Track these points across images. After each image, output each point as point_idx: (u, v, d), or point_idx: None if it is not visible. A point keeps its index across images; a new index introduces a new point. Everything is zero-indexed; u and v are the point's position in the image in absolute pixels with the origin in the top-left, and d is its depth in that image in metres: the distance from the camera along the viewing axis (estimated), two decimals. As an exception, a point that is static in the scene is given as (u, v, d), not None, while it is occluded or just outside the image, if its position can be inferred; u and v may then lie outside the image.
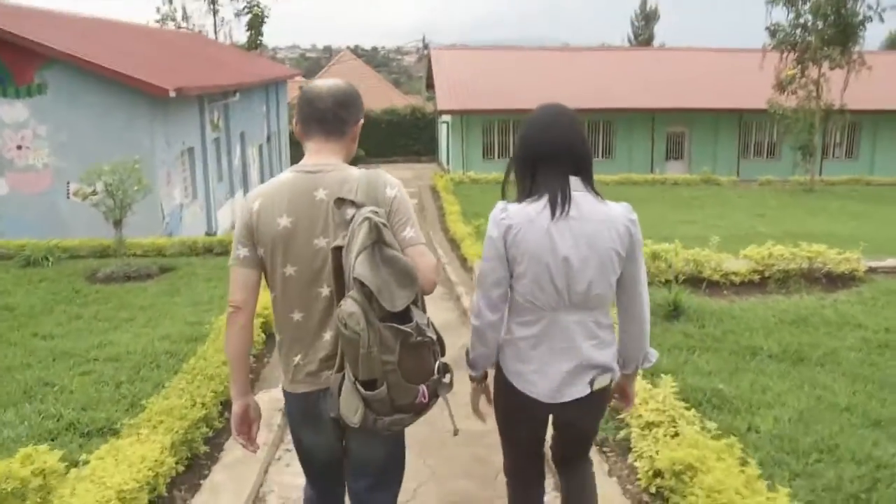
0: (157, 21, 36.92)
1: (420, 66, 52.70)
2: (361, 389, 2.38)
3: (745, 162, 29.39)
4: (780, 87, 23.18)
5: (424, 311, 2.48)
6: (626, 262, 2.69)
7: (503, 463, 3.17)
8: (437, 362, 2.47)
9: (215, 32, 38.12)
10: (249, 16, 37.31)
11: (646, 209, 18.82)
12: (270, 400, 5.22)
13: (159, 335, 6.85)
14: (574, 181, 2.67)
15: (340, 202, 2.50)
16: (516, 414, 2.89)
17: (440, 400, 2.51)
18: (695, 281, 7.89)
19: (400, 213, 2.58)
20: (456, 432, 2.60)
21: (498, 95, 27.98)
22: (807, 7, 22.52)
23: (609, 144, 29.51)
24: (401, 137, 35.89)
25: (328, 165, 2.63)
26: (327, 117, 2.66)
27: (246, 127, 22.35)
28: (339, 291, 2.46)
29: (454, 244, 13.58)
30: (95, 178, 9.93)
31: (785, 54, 23.01)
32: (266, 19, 37.63)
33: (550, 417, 2.93)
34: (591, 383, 2.75)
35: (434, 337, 2.44)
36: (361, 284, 2.32)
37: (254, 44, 37.36)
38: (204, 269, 10.11)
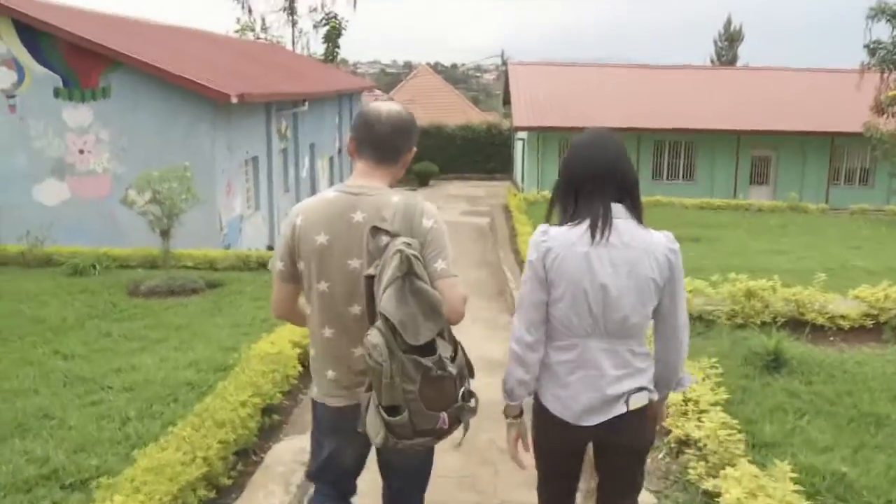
0: (237, 31, 37.04)
1: (498, 84, 51.89)
2: (384, 414, 2.44)
3: (834, 189, 27.73)
4: (879, 108, 21.69)
5: (452, 341, 2.53)
6: (664, 292, 2.69)
7: (538, 490, 3.09)
8: (462, 389, 2.53)
9: (293, 44, 38.11)
10: (327, 28, 37.20)
11: (728, 236, 17.66)
12: (293, 451, 4.45)
13: (187, 361, 6.17)
14: (616, 208, 2.67)
15: (375, 231, 2.54)
16: (555, 443, 2.85)
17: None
18: (795, 324, 6.87)
19: (434, 245, 2.61)
20: (460, 444, 2.67)
21: (576, 113, 27.01)
22: (913, 22, 21.07)
23: (690, 167, 28.21)
24: (475, 154, 35.13)
25: (371, 189, 2.70)
26: (383, 144, 2.73)
27: (316, 138, 21.89)
28: (371, 316, 2.50)
29: (524, 266, 12.71)
30: (145, 184, 9.39)
31: (886, 74, 21.55)
32: (344, 31, 37.47)
33: (591, 448, 2.93)
34: (627, 402, 2.71)
35: (455, 371, 2.48)
36: (386, 318, 2.39)
37: (331, 55, 37.20)
38: (253, 287, 9.46)
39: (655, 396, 2.82)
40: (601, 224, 2.62)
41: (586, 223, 2.65)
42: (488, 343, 8.19)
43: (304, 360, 5.86)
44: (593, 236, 2.62)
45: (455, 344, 2.56)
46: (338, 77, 29.14)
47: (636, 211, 2.71)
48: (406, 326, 2.39)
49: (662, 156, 28.05)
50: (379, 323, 2.41)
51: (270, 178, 16.81)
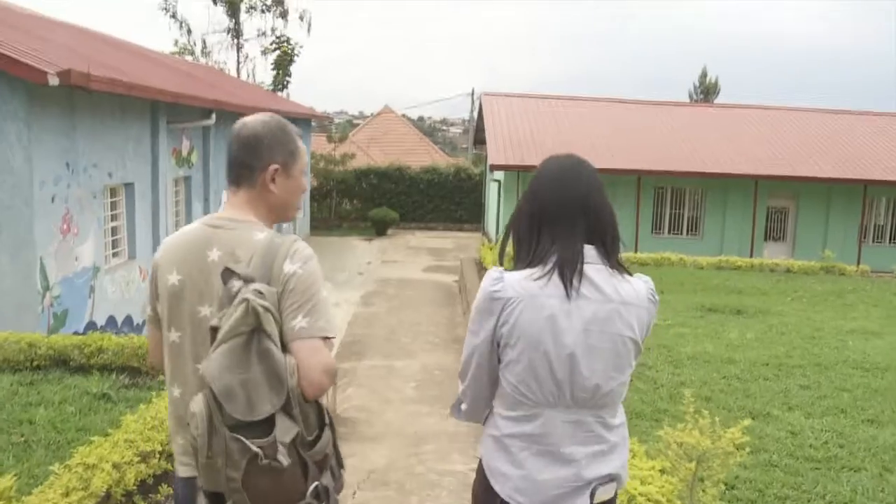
0: (173, 53, 32.36)
1: (464, 138, 48.67)
2: (203, 502, 2.05)
3: (864, 247, 23.50)
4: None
5: (315, 419, 2.12)
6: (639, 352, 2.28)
7: None
8: (315, 484, 2.06)
9: (238, 70, 33.52)
10: (277, 52, 32.68)
11: (778, 307, 13.24)
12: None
13: None
14: (588, 251, 2.24)
15: (228, 274, 2.11)
16: None
17: None
18: None
19: (294, 296, 2.13)
20: None
21: (562, 150, 22.16)
22: None
23: (697, 219, 23.85)
24: (442, 201, 30.57)
25: (232, 222, 2.28)
26: (233, 162, 2.33)
27: (241, 169, 17.13)
28: None
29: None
30: None
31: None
32: (297, 58, 32.99)
33: None
34: (592, 495, 2.23)
35: (284, 463, 1.98)
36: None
37: (280, 84, 32.61)
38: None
39: (624, 484, 2.36)
40: (570, 272, 2.19)
41: (549, 269, 2.20)
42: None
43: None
44: (567, 288, 2.17)
45: (321, 421, 2.14)
46: (281, 104, 24.50)
47: (612, 255, 2.27)
48: (234, 396, 1.95)
49: (664, 205, 23.69)
50: (206, 388, 2.00)
51: (156, 215, 11.96)
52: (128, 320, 10.93)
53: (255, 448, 1.93)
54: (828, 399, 7.27)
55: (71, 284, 9.25)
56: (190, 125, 13.10)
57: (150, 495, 3.94)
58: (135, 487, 3.80)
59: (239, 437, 1.94)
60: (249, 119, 2.36)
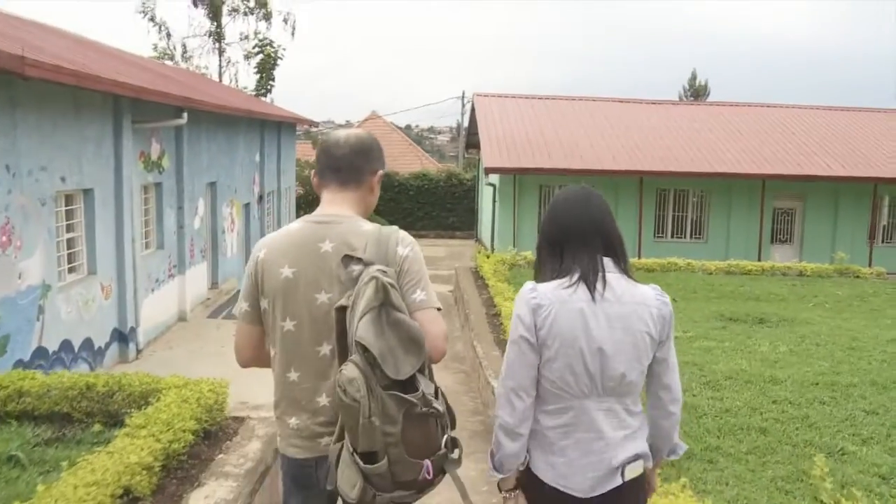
0: (154, 58, 31.15)
1: (453, 146, 48.12)
2: (360, 462, 2.16)
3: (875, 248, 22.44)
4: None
5: (432, 379, 2.30)
6: (658, 346, 2.53)
7: None
8: (445, 436, 2.27)
9: (220, 75, 32.28)
10: (260, 56, 31.50)
11: (803, 314, 12.14)
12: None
13: None
14: (606, 262, 2.55)
15: (348, 259, 2.38)
16: None
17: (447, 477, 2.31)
18: None
19: (411, 274, 2.42)
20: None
21: (561, 152, 21.51)
22: None
23: (700, 221, 22.76)
24: (433, 207, 29.52)
25: (339, 217, 2.52)
26: (342, 165, 2.57)
27: (219, 175, 15.92)
28: (342, 353, 2.28)
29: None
30: None
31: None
32: (281, 60, 31.81)
33: None
34: (623, 473, 2.46)
35: (441, 409, 2.23)
36: (364, 349, 2.15)
37: (263, 88, 31.43)
38: None
39: (650, 464, 2.58)
40: (594, 278, 2.49)
41: (576, 278, 2.49)
42: None
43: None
44: (592, 291, 2.46)
45: (436, 386, 2.29)
46: (257, 103, 23.29)
47: (624, 265, 2.58)
48: (386, 358, 2.14)
49: (666, 208, 22.57)
50: (355, 356, 2.17)
51: (121, 226, 10.74)
52: (87, 344, 9.71)
53: (412, 399, 2.12)
54: (903, 428, 6.15)
55: (13, 305, 8.05)
56: (159, 125, 11.90)
57: None
58: None
59: (395, 392, 2.11)
60: (348, 130, 2.63)
